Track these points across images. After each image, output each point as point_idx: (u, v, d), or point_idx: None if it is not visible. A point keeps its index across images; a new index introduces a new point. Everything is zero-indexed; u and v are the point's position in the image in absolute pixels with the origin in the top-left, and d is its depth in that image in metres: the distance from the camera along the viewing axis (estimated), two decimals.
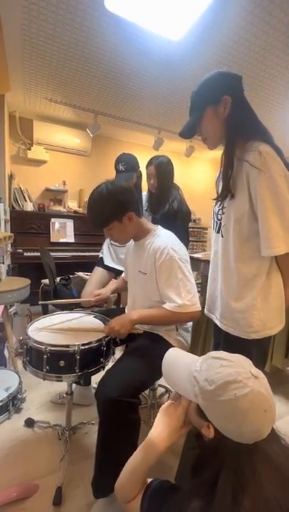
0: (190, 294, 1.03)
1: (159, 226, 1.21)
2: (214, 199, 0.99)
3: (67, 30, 1.81)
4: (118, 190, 1.05)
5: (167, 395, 1.67)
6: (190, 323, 1.26)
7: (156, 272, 1.08)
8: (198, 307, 1.04)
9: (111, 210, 1.05)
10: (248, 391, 0.51)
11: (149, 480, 0.64)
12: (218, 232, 1.02)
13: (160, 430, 0.63)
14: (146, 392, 1.58)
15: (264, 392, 0.52)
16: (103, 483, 0.94)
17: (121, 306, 1.90)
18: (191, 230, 4.51)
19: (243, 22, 1.70)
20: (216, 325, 1.05)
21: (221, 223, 0.98)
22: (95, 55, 2.07)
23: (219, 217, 0.99)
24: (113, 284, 1.50)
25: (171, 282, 1.04)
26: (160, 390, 1.67)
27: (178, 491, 0.60)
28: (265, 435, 0.51)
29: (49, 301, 1.51)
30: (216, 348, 1.10)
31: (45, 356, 0.96)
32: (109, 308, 1.98)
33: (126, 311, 1.35)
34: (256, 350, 0.91)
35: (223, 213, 0.96)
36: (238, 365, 0.56)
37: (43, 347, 0.97)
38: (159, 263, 1.05)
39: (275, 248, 0.82)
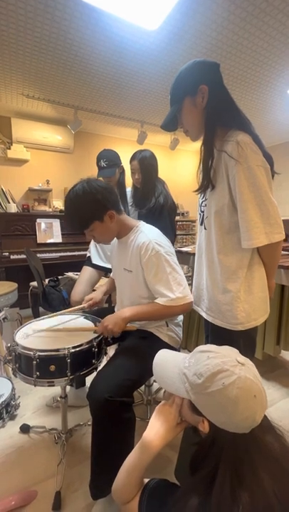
0: (181, 286, 1.02)
1: (142, 221, 1.18)
2: (195, 191, 0.97)
3: (38, 22, 1.74)
4: (95, 189, 1.00)
5: (163, 391, 1.67)
6: (180, 317, 1.26)
7: (142, 269, 1.06)
8: (190, 298, 1.03)
9: (91, 210, 1.00)
10: (236, 378, 0.51)
11: (146, 480, 0.63)
12: (201, 225, 1.00)
13: (155, 430, 0.63)
14: (142, 388, 1.58)
15: (252, 377, 0.52)
16: (100, 484, 0.93)
17: (112, 305, 1.88)
18: (180, 223, 4.51)
19: (219, 9, 1.68)
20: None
21: (204, 215, 0.97)
22: (69, 47, 2.00)
23: (202, 209, 0.98)
24: (103, 285, 1.48)
25: (161, 277, 1.02)
26: (156, 386, 1.68)
27: (176, 489, 0.60)
28: (259, 421, 0.51)
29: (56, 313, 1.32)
30: (207, 341, 1.10)
31: (35, 362, 0.94)
32: (100, 308, 1.96)
33: (115, 309, 1.33)
34: (243, 340, 0.91)
35: (206, 205, 0.95)
36: (224, 354, 0.56)
37: (32, 353, 0.94)
38: (145, 259, 1.03)
39: (254, 240, 0.81)
